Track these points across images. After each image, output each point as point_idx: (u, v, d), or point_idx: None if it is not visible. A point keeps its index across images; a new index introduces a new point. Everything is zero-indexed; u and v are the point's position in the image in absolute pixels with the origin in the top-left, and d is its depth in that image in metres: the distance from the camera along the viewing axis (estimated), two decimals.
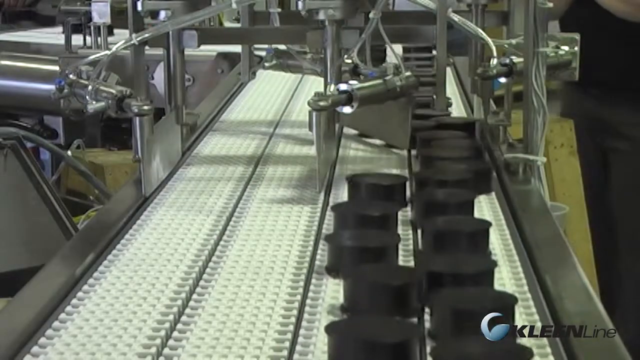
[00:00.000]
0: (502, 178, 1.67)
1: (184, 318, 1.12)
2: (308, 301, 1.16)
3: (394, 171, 1.74)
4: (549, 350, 1.03)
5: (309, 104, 1.55)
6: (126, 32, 1.80)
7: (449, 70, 2.06)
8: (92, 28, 3.44)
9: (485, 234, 1.29)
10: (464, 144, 1.75)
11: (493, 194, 1.58)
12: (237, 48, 2.23)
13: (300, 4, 1.68)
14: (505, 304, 1.05)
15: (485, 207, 1.53)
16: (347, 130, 2.02)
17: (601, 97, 3.14)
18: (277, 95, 2.47)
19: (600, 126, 3.17)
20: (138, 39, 1.74)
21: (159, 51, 1.85)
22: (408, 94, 1.72)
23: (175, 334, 1.08)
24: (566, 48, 1.81)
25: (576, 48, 1.82)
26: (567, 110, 3.31)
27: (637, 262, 3.25)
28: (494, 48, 1.75)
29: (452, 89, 2.39)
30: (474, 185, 1.52)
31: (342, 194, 1.59)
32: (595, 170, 3.22)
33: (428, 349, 1.02)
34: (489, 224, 1.32)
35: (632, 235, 3.26)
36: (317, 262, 1.29)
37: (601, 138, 3.20)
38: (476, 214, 1.44)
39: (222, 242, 1.37)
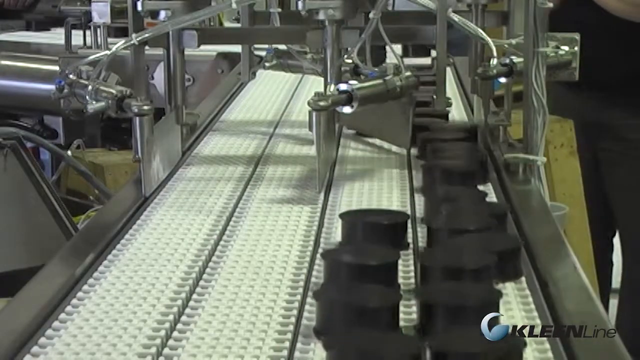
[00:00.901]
0: (502, 178, 1.67)
1: (184, 318, 1.12)
2: (308, 300, 1.16)
3: (394, 171, 1.74)
4: (549, 350, 1.03)
5: (309, 104, 1.55)
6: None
7: (448, 70, 2.06)
8: (92, 28, 3.44)
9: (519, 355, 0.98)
10: (485, 209, 1.39)
11: (523, 279, 1.23)
12: (237, 48, 2.23)
13: (300, 4, 1.68)
14: None
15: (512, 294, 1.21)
16: (347, 130, 2.02)
17: (597, 98, 3.14)
18: (277, 95, 2.47)
19: (594, 127, 3.17)
20: (138, 39, 1.74)
21: (159, 51, 1.85)
22: (408, 94, 1.72)
23: (175, 334, 1.08)
24: (566, 48, 1.81)
25: (576, 48, 1.82)
26: (556, 108, 3.29)
27: (635, 264, 3.25)
28: (494, 48, 1.75)
29: (452, 89, 2.39)
30: (499, 272, 1.19)
31: (341, 195, 1.59)
32: (591, 169, 3.22)
33: None
34: (523, 342, 1.00)
35: (629, 235, 3.26)
36: (317, 262, 1.29)
37: (594, 138, 3.20)
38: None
39: (222, 242, 1.37)
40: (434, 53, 2.50)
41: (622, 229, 3.30)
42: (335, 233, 1.40)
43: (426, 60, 2.53)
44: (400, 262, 1.19)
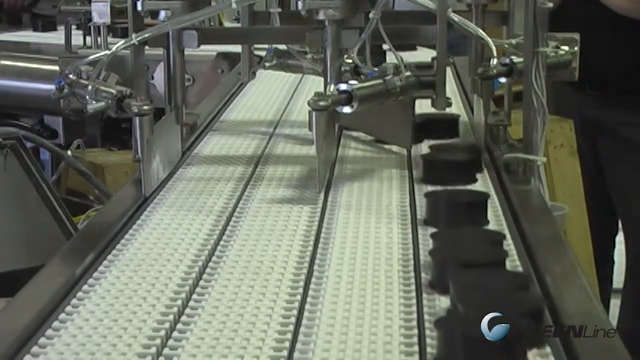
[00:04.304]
0: (502, 178, 1.67)
1: (184, 318, 1.12)
2: (308, 301, 1.16)
3: (394, 171, 1.74)
4: (549, 350, 1.03)
5: (309, 104, 1.55)
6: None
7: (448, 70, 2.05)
8: (92, 28, 3.44)
9: None
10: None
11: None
12: (237, 48, 2.23)
13: (300, 4, 1.68)
14: None
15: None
16: (347, 130, 2.02)
17: (598, 96, 3.13)
18: (277, 95, 2.47)
19: (594, 125, 3.17)
20: (138, 39, 1.74)
21: (159, 51, 1.85)
22: (409, 94, 1.72)
23: (175, 334, 1.08)
24: (566, 48, 1.81)
25: (576, 48, 1.82)
26: (557, 107, 3.29)
27: (638, 262, 3.26)
28: (494, 48, 1.75)
29: (451, 89, 2.39)
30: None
31: (341, 195, 1.59)
32: (592, 168, 3.22)
33: None
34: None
35: (632, 233, 3.26)
36: (317, 262, 1.29)
37: (595, 137, 3.19)
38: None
39: (222, 242, 1.37)
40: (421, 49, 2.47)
41: (624, 227, 3.30)
42: (335, 233, 1.40)
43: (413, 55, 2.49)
44: None
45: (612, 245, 3.39)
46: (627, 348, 1.02)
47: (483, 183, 1.65)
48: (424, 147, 1.87)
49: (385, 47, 1.91)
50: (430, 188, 1.60)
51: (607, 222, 3.30)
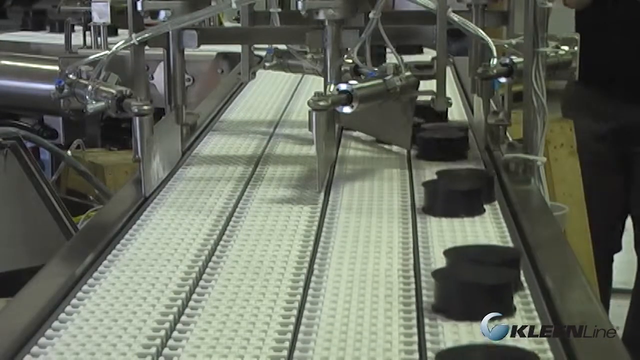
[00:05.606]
0: (502, 178, 1.67)
1: (184, 318, 1.12)
2: (308, 300, 1.16)
3: (395, 171, 1.74)
4: (549, 350, 1.03)
5: (309, 104, 1.55)
6: (126, 31, 1.80)
7: (448, 70, 2.05)
8: (92, 28, 3.44)
9: None
10: None
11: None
12: (237, 48, 2.23)
13: (300, 4, 1.68)
14: None
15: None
16: (347, 130, 2.02)
17: (626, 100, 3.09)
18: (277, 95, 2.47)
19: (624, 130, 3.13)
20: (138, 39, 1.74)
21: (159, 51, 1.85)
22: (409, 94, 1.72)
23: (175, 334, 1.08)
24: (566, 48, 1.81)
25: (576, 48, 1.82)
26: (574, 111, 3.27)
27: None
28: (494, 48, 1.75)
29: (451, 89, 2.39)
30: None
31: (341, 195, 1.59)
32: (610, 173, 3.20)
33: None
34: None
35: None
36: (316, 262, 1.29)
37: (624, 142, 3.17)
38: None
39: (222, 242, 1.37)
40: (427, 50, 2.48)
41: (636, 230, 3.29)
42: (335, 233, 1.40)
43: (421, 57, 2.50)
44: None
45: (619, 248, 3.38)
46: (628, 347, 1.02)
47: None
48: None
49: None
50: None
51: (615, 224, 3.29)
